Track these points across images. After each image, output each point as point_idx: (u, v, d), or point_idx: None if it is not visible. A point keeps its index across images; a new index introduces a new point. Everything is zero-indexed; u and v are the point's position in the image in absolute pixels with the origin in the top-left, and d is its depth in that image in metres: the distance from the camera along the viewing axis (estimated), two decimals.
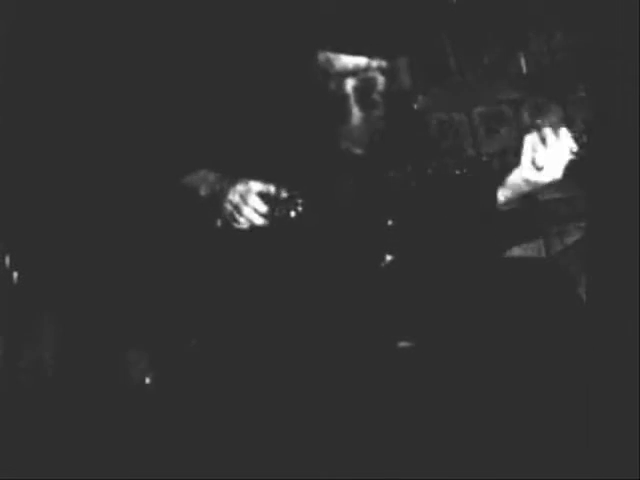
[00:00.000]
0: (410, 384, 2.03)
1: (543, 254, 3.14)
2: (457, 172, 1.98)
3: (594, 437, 1.71)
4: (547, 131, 1.90)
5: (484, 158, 2.00)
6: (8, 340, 2.63)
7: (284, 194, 2.05)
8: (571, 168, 1.90)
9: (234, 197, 2.04)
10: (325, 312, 2.03)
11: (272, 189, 2.05)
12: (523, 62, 3.33)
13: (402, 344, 2.05)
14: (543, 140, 1.89)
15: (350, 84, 2.05)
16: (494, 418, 1.98)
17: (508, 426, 1.97)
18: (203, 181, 2.10)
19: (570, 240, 3.15)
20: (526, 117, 3.28)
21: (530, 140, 1.91)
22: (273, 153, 2.10)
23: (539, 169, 1.90)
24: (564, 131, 1.89)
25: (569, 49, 3.30)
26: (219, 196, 2.06)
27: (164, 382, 2.23)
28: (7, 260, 2.60)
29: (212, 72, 2.28)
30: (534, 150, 1.90)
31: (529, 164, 1.91)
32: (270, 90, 2.19)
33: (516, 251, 3.09)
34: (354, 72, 2.04)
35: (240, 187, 2.04)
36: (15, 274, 2.61)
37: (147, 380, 2.41)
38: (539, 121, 2.00)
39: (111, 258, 2.43)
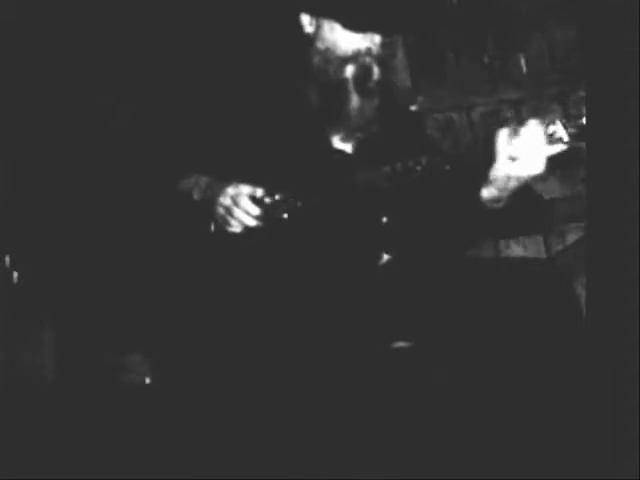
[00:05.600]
0: (407, 384, 2.03)
1: (543, 254, 3.14)
2: (447, 167, 1.98)
3: (594, 437, 1.70)
4: (518, 125, 1.92)
5: (470, 153, 2.01)
6: (8, 343, 2.63)
7: (276, 196, 2.05)
8: (566, 167, 1.91)
9: (225, 200, 2.04)
10: (321, 312, 2.03)
11: (263, 191, 2.05)
12: (523, 62, 3.34)
13: (399, 344, 2.05)
14: (515, 132, 1.91)
15: (349, 70, 2.08)
16: (493, 418, 1.98)
17: (507, 426, 1.97)
18: (195, 185, 2.10)
19: (570, 240, 3.16)
20: (526, 117, 3.27)
21: (502, 134, 1.93)
22: (265, 154, 2.10)
23: (514, 159, 1.91)
24: (534, 122, 1.91)
25: (569, 48, 3.30)
26: (211, 200, 2.06)
27: (164, 385, 2.23)
28: (7, 260, 2.60)
29: (202, 73, 2.29)
30: (508, 143, 1.92)
31: (505, 158, 1.92)
32: (262, 88, 2.20)
33: (517, 250, 3.09)
34: (354, 57, 2.06)
35: (231, 190, 2.04)
36: (15, 274, 2.61)
37: (147, 382, 2.41)
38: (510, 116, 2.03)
39: (108, 262, 2.43)
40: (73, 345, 2.67)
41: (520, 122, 1.95)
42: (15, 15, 2.80)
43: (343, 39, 2.07)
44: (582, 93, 3.20)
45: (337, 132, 2.15)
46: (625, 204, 1.70)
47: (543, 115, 2.05)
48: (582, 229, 3.10)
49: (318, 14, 2.11)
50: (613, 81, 1.75)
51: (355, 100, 2.10)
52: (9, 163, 2.74)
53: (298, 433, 2.00)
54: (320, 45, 2.10)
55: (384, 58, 2.09)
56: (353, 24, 2.06)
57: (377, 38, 2.07)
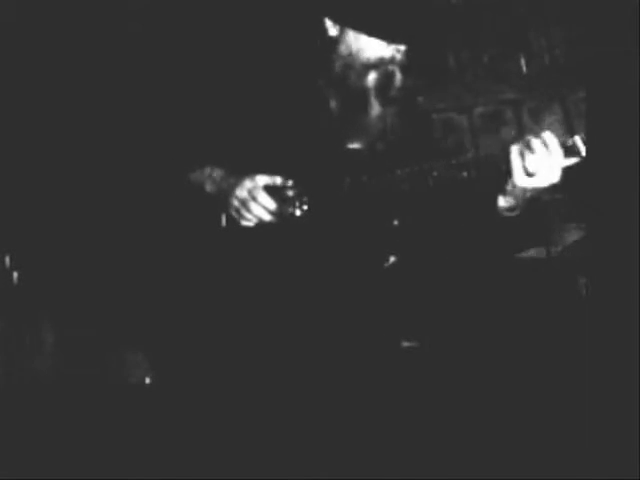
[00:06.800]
0: (413, 384, 2.03)
1: (543, 254, 3.13)
2: (464, 174, 1.97)
3: (594, 437, 1.70)
4: (531, 137, 1.91)
5: (487, 161, 2.00)
6: (9, 342, 2.63)
7: (292, 191, 2.05)
8: (570, 168, 1.90)
9: (242, 193, 2.03)
10: (329, 311, 2.03)
11: (280, 185, 2.05)
12: (523, 62, 3.34)
13: (405, 344, 2.05)
14: (528, 147, 1.89)
15: (372, 77, 2.05)
16: (495, 418, 1.98)
17: (509, 426, 1.97)
18: (208, 177, 2.09)
19: (570, 240, 3.15)
20: (526, 117, 3.27)
21: (515, 149, 1.91)
22: (280, 151, 2.10)
23: (531, 175, 1.90)
24: (548, 135, 1.90)
25: (569, 48, 3.30)
26: (226, 192, 2.06)
27: (164, 382, 2.22)
28: (7, 260, 2.60)
29: (220, 68, 2.27)
30: (522, 158, 1.90)
31: (520, 172, 1.91)
32: (280, 86, 2.19)
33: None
34: (377, 65, 2.04)
35: (248, 183, 2.04)
36: (15, 274, 2.61)
37: (147, 380, 2.41)
38: (530, 128, 2.02)
39: (112, 258, 2.43)
40: (73, 345, 2.67)
41: (535, 134, 1.93)
42: (16, 16, 2.79)
43: (368, 45, 2.04)
44: (582, 93, 3.21)
45: (356, 139, 2.12)
46: (625, 204, 1.70)
47: (541, 120, 2.06)
48: (582, 229, 3.10)
49: (344, 24, 2.07)
50: (613, 81, 1.75)
51: (375, 108, 2.07)
52: (11, 163, 2.74)
53: (301, 432, 2.00)
54: (344, 49, 2.06)
55: (407, 65, 2.06)
56: (381, 35, 2.03)
57: (402, 46, 2.04)
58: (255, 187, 2.03)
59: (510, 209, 2.01)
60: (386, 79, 2.05)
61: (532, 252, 3.09)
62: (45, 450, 2.41)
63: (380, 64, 2.04)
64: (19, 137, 2.76)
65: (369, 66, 2.05)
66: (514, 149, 1.91)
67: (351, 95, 2.07)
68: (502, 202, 2.01)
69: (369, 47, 2.04)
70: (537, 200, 2.02)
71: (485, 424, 1.98)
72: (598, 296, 1.73)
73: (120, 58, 2.80)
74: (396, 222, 2.14)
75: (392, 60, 2.04)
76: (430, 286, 2.09)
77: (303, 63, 2.19)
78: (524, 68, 3.33)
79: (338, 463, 1.98)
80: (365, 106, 2.06)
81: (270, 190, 2.04)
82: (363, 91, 2.06)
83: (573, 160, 1.92)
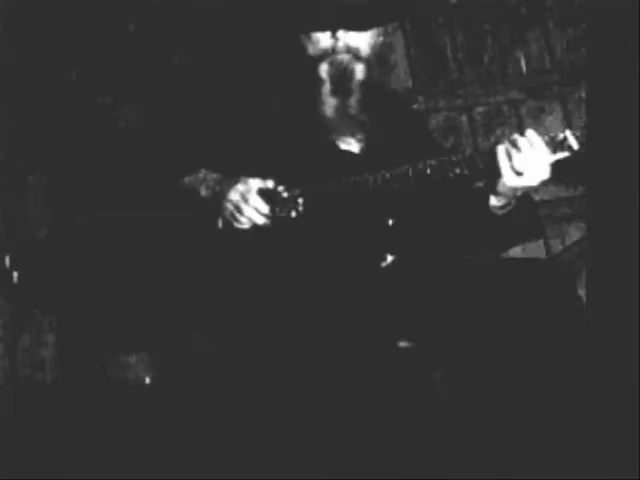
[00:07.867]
0: (409, 384, 2.03)
1: (543, 254, 3.14)
2: (457, 171, 1.98)
3: (594, 437, 1.70)
4: (516, 137, 1.93)
5: (479, 158, 2.01)
6: (8, 342, 2.63)
7: (285, 193, 2.05)
8: (567, 168, 1.91)
9: (235, 196, 2.04)
10: (325, 312, 2.03)
11: (273, 188, 2.05)
12: (523, 62, 3.34)
13: (402, 344, 2.05)
14: (514, 146, 1.92)
15: (324, 69, 2.08)
16: (494, 418, 1.98)
17: (508, 426, 1.97)
18: (203, 182, 2.10)
19: (570, 240, 3.16)
20: (526, 117, 3.27)
21: (502, 149, 1.93)
22: (273, 152, 2.10)
23: (520, 174, 1.92)
24: (532, 133, 1.92)
25: (569, 48, 3.30)
26: (219, 196, 2.06)
27: (164, 383, 2.23)
28: (7, 260, 2.60)
29: (207, 72, 2.29)
30: (509, 158, 1.92)
31: (509, 172, 1.93)
32: (267, 88, 2.20)
33: (516, 251, 3.10)
34: (326, 54, 2.06)
35: (241, 186, 2.04)
36: (15, 274, 2.61)
37: (147, 381, 2.41)
38: (506, 131, 2.03)
39: (111, 259, 2.43)
40: (73, 345, 2.67)
41: (520, 133, 1.95)
42: (16, 15, 2.80)
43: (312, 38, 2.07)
44: (582, 93, 3.21)
45: (339, 133, 2.14)
46: (625, 204, 1.70)
47: (542, 120, 2.06)
48: (582, 229, 3.10)
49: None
50: (614, 81, 1.75)
51: (330, 100, 2.09)
52: (10, 162, 2.74)
53: (300, 432, 2.00)
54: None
55: (370, 55, 2.08)
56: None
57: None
58: (248, 190, 2.03)
59: (502, 207, 2.04)
60: (339, 70, 2.07)
61: (530, 252, 3.10)
62: (45, 450, 2.41)
63: (329, 54, 2.06)
64: (17, 137, 2.76)
65: (321, 57, 2.07)
66: (500, 149, 1.93)
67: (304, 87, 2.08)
68: (494, 201, 2.03)
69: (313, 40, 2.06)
70: (528, 196, 2.05)
71: (484, 425, 1.98)
72: (598, 296, 1.73)
73: (116, 60, 2.80)
74: (390, 222, 2.15)
75: (339, 49, 2.06)
76: (427, 286, 2.09)
77: (293, 63, 2.20)
78: (524, 68, 3.33)
79: (336, 463, 1.98)
80: (318, 99, 2.09)
81: (263, 193, 2.04)
82: (317, 82, 2.08)
83: (564, 155, 1.95)
